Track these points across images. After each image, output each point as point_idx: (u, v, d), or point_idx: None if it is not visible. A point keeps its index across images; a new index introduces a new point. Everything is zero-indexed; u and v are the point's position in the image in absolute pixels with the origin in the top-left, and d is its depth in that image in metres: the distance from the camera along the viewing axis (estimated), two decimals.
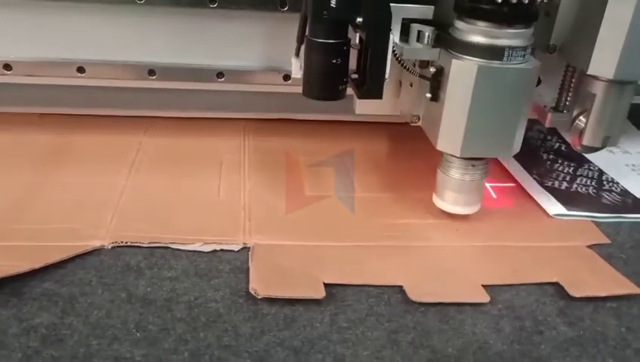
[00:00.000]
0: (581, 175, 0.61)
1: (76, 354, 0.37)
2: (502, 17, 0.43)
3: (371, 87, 0.46)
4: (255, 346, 0.39)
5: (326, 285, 0.43)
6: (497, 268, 0.47)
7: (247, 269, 0.45)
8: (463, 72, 0.45)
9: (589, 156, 0.64)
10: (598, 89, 0.48)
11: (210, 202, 0.52)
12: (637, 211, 0.55)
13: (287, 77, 0.58)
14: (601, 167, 0.63)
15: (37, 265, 0.43)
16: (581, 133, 0.50)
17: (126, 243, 0.46)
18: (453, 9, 0.45)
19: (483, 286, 0.45)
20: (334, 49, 0.45)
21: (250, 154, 0.61)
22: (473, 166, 0.49)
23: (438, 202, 0.52)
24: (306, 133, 0.65)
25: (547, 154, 0.65)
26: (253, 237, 0.48)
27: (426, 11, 0.48)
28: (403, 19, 0.47)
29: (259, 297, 0.42)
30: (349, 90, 0.48)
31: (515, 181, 0.59)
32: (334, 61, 0.45)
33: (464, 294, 0.44)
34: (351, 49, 0.47)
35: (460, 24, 0.45)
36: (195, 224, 0.49)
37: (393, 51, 0.46)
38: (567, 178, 0.60)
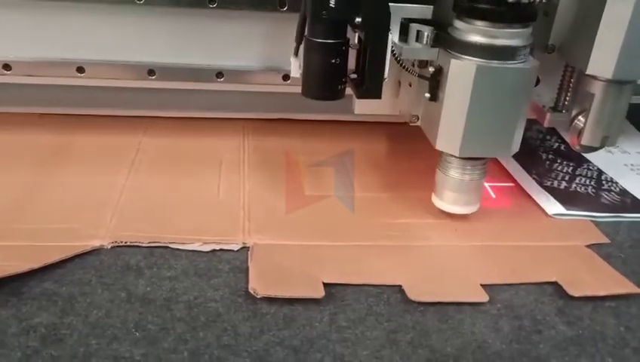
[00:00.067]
0: (580, 175, 0.61)
1: (76, 354, 0.37)
2: (501, 17, 0.43)
3: (370, 87, 0.46)
4: (254, 345, 0.39)
5: (325, 284, 0.43)
6: (496, 268, 0.47)
7: (247, 269, 0.45)
8: (461, 71, 0.45)
9: (588, 156, 0.64)
10: (597, 89, 0.48)
11: (209, 202, 0.53)
12: (636, 211, 0.56)
13: (286, 77, 0.58)
14: (600, 167, 0.63)
15: (36, 265, 0.43)
16: (580, 132, 0.50)
17: (125, 243, 0.46)
18: (452, 9, 0.45)
19: (482, 285, 0.45)
20: (333, 49, 0.45)
21: (250, 154, 0.61)
22: (472, 165, 0.49)
23: (437, 202, 0.52)
24: (305, 133, 0.65)
25: (546, 154, 0.65)
26: (253, 236, 0.48)
27: (425, 11, 0.48)
28: (402, 18, 0.47)
29: (258, 297, 0.42)
30: (349, 90, 0.49)
31: (514, 181, 0.60)
32: (333, 61, 0.46)
33: (463, 294, 0.44)
34: (350, 49, 0.47)
35: (458, 24, 0.45)
36: (195, 224, 0.49)
37: (392, 51, 0.46)
38: (567, 178, 0.60)
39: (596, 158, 0.64)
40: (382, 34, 0.44)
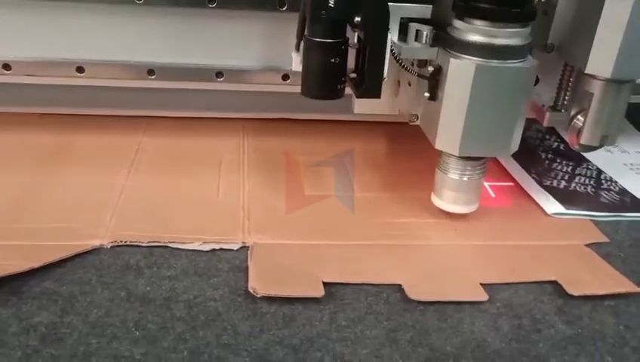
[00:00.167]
0: (579, 174, 0.61)
1: (76, 353, 0.37)
2: (500, 16, 0.43)
3: (370, 87, 0.46)
4: (254, 345, 0.39)
5: (325, 284, 0.43)
6: (496, 267, 0.47)
7: (247, 268, 0.45)
8: (461, 71, 0.45)
9: (587, 155, 0.64)
10: (596, 88, 0.48)
11: (209, 201, 0.53)
12: (635, 210, 0.56)
13: (286, 76, 0.58)
14: (600, 166, 0.63)
15: (36, 264, 0.43)
16: (579, 132, 0.50)
17: (125, 242, 0.47)
18: (451, 8, 0.45)
19: (481, 284, 0.45)
20: (333, 48, 0.45)
21: (250, 154, 0.61)
22: (472, 165, 0.49)
23: (437, 201, 0.52)
24: (305, 133, 0.65)
25: (546, 154, 0.65)
26: (253, 236, 0.48)
27: (425, 10, 0.48)
28: (401, 18, 0.47)
29: (258, 296, 0.42)
30: (348, 90, 0.49)
31: (513, 180, 0.60)
32: (333, 60, 0.46)
33: (463, 293, 0.44)
34: (349, 48, 0.47)
35: (458, 23, 0.45)
36: (195, 223, 0.49)
37: (391, 51, 0.46)
38: (566, 177, 0.60)
39: (595, 158, 0.64)
40: (381, 33, 0.44)
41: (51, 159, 0.57)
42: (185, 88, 0.61)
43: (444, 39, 0.46)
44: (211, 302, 0.42)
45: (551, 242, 0.51)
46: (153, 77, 0.58)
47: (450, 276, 0.46)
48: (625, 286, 0.46)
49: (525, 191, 0.58)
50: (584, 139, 0.50)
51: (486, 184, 0.58)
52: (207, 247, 0.47)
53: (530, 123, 0.57)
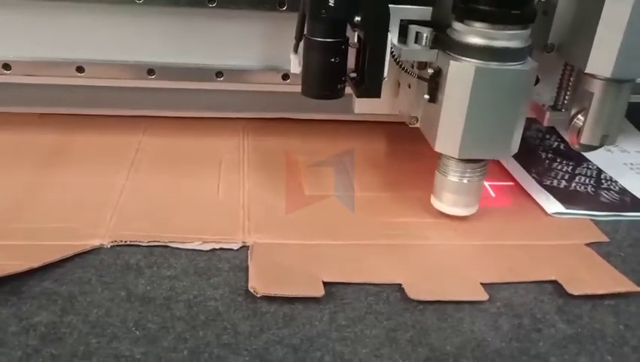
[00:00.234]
0: (580, 174, 0.61)
1: (76, 352, 0.37)
2: (499, 19, 0.43)
3: (370, 86, 0.46)
4: (254, 344, 0.39)
5: (325, 283, 0.43)
6: (496, 267, 0.47)
7: (247, 268, 0.45)
8: (460, 73, 0.45)
9: (587, 155, 0.64)
10: (596, 87, 0.48)
11: (209, 201, 0.53)
12: (635, 210, 0.56)
13: (286, 76, 0.58)
14: (600, 166, 0.63)
15: (36, 264, 0.43)
16: (579, 131, 0.50)
17: (125, 242, 0.47)
18: (451, 10, 0.45)
19: (482, 284, 0.45)
20: (333, 48, 0.45)
21: (250, 154, 0.61)
22: (472, 167, 0.49)
23: (437, 203, 0.52)
24: (305, 133, 0.65)
25: (546, 153, 0.65)
26: (253, 235, 0.48)
27: (424, 12, 0.48)
28: (401, 20, 0.47)
29: (258, 295, 0.42)
30: (348, 90, 0.49)
31: (513, 180, 0.60)
32: (333, 60, 0.46)
33: (463, 292, 0.44)
34: (349, 48, 0.47)
35: (457, 25, 0.45)
36: (195, 223, 0.49)
37: (391, 53, 0.46)
38: (566, 177, 0.60)
39: (596, 157, 0.64)
40: (381, 33, 0.44)
41: (51, 159, 0.57)
42: (185, 88, 0.61)
43: (443, 41, 0.46)
44: (211, 302, 0.42)
45: (551, 242, 0.51)
46: (153, 77, 0.58)
47: (450, 275, 0.46)
48: (625, 285, 0.46)
49: (525, 191, 0.58)
50: (584, 139, 0.50)
51: (486, 183, 0.58)
52: (207, 247, 0.47)
53: (530, 122, 0.57)
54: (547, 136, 0.69)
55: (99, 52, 0.57)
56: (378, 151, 0.63)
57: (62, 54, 0.57)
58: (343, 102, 0.50)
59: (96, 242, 0.46)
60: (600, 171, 0.62)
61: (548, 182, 0.59)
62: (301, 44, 0.47)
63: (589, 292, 0.45)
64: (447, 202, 0.51)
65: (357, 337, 0.40)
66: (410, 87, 0.52)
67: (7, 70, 0.56)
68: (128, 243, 0.47)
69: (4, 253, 0.44)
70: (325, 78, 0.47)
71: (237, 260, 0.46)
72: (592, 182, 0.60)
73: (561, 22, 0.50)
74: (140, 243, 0.47)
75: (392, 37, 0.46)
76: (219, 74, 0.58)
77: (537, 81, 0.49)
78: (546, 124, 0.54)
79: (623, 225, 0.54)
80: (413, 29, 0.47)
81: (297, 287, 0.43)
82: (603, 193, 0.58)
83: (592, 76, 0.48)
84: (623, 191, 0.58)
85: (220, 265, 0.45)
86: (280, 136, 0.64)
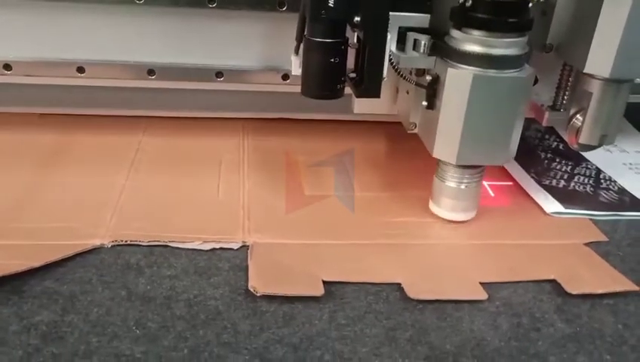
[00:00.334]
0: (579, 173, 0.61)
1: (77, 352, 0.37)
2: (497, 27, 0.44)
3: (369, 86, 0.46)
4: (254, 343, 0.39)
5: (325, 283, 0.44)
6: (495, 266, 0.47)
7: (247, 267, 0.45)
8: (458, 80, 0.45)
9: (586, 155, 0.64)
10: (595, 87, 0.48)
11: (209, 201, 0.53)
12: (634, 209, 0.56)
13: (285, 76, 0.59)
14: (599, 166, 0.63)
15: (37, 264, 0.43)
16: (578, 131, 0.50)
17: (126, 241, 0.47)
18: (449, 18, 0.46)
19: (481, 283, 0.45)
20: (332, 48, 0.46)
21: (249, 154, 0.61)
22: (469, 173, 0.49)
23: (435, 209, 0.52)
24: (305, 133, 0.65)
25: (545, 153, 0.65)
26: (253, 235, 0.48)
27: (423, 20, 0.48)
28: (400, 27, 0.48)
29: (258, 295, 0.42)
30: (348, 90, 0.49)
31: (513, 180, 0.60)
32: (332, 60, 0.46)
33: (462, 291, 0.44)
34: (349, 48, 0.47)
35: (455, 33, 0.45)
36: (195, 223, 0.50)
37: (390, 60, 0.46)
38: (565, 176, 0.60)
39: (595, 157, 0.64)
40: (380, 33, 0.44)
41: (51, 159, 0.57)
42: (185, 88, 0.61)
43: (441, 48, 0.46)
44: (211, 301, 0.42)
45: (550, 241, 0.51)
46: (153, 77, 0.58)
47: (449, 275, 0.46)
48: (624, 284, 0.46)
49: (524, 191, 0.58)
50: (583, 139, 0.50)
51: (485, 183, 0.58)
52: (207, 246, 0.47)
53: (529, 122, 0.57)
54: (546, 136, 0.69)
55: (99, 52, 0.57)
56: (378, 151, 0.64)
57: (62, 54, 0.57)
58: (343, 102, 0.50)
59: (96, 242, 0.46)
60: (599, 171, 0.62)
61: (547, 182, 0.59)
62: (302, 45, 0.48)
63: (588, 291, 0.45)
64: (445, 207, 0.51)
65: (357, 336, 0.40)
66: (408, 94, 0.52)
67: (8, 70, 0.57)
68: (129, 242, 0.47)
69: (4, 252, 0.44)
70: (325, 79, 0.47)
71: (237, 260, 0.46)
72: (591, 181, 0.60)
73: (560, 22, 0.50)
74: (141, 243, 0.47)
75: (391, 44, 0.46)
76: (219, 74, 0.58)
77: (536, 81, 0.50)
78: (545, 124, 0.54)
79: (622, 224, 0.54)
80: (412, 36, 0.47)
81: (297, 286, 0.43)
82: (602, 193, 0.58)
83: (591, 76, 0.48)
84: (622, 191, 0.59)
85: (220, 265, 0.45)
86: (280, 136, 0.64)
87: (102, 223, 0.48)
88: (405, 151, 0.63)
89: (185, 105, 0.66)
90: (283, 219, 0.51)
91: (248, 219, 0.50)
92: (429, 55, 0.47)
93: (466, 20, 0.44)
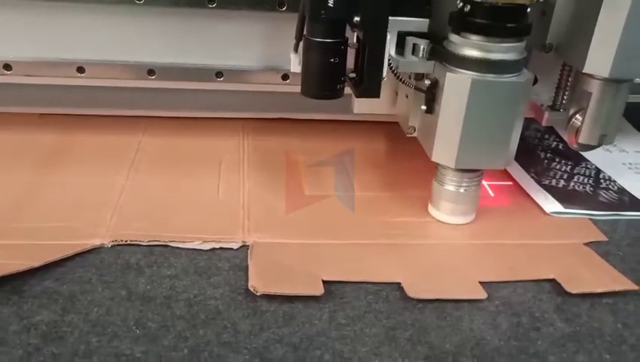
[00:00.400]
0: (578, 173, 0.61)
1: (77, 351, 0.37)
2: (496, 31, 0.44)
3: (369, 86, 0.46)
4: (254, 343, 0.39)
5: (325, 282, 0.44)
6: (495, 265, 0.47)
7: (247, 267, 0.45)
8: (457, 84, 0.45)
9: (586, 154, 0.64)
10: (594, 87, 0.48)
11: (209, 201, 0.53)
12: (634, 209, 0.56)
13: (285, 76, 0.59)
14: (599, 166, 0.63)
15: (37, 264, 0.43)
16: (577, 131, 0.50)
17: (126, 241, 0.47)
18: (447, 22, 0.46)
19: (480, 283, 0.45)
20: (332, 48, 0.46)
21: (249, 154, 0.61)
22: (468, 177, 0.49)
23: (434, 212, 0.52)
24: (304, 133, 0.65)
25: (544, 153, 0.65)
26: (252, 235, 0.48)
27: (422, 25, 0.48)
28: (399, 32, 0.48)
29: (258, 294, 0.42)
30: (348, 90, 0.49)
31: (512, 179, 0.60)
32: (332, 60, 0.46)
33: (462, 291, 0.44)
34: (349, 48, 0.47)
35: (454, 37, 0.45)
36: (195, 223, 0.50)
37: (389, 64, 0.46)
38: (565, 176, 0.61)
39: (594, 157, 0.64)
40: (380, 33, 0.44)
41: (51, 159, 0.57)
42: (185, 88, 0.61)
43: (440, 53, 0.46)
44: (211, 301, 0.42)
45: (550, 241, 0.51)
46: (153, 77, 0.58)
47: (449, 274, 0.46)
48: (623, 284, 0.46)
49: (524, 191, 0.58)
50: (583, 139, 0.50)
51: (485, 183, 0.58)
52: (207, 246, 0.47)
53: (529, 122, 0.57)
54: (546, 136, 0.69)
55: (99, 52, 0.57)
56: (378, 151, 0.64)
57: (62, 54, 0.57)
58: (343, 102, 0.50)
59: (96, 241, 0.46)
60: (598, 171, 0.62)
61: (547, 182, 0.59)
62: (301, 43, 0.48)
63: (588, 290, 0.45)
64: (444, 211, 0.51)
65: (356, 336, 0.40)
66: (407, 98, 0.52)
67: (8, 70, 0.57)
68: (128, 242, 0.47)
69: (4, 252, 0.44)
70: (325, 78, 0.47)
71: (237, 259, 0.46)
72: (590, 181, 0.60)
73: (560, 22, 0.50)
74: (141, 243, 0.47)
75: (390, 48, 0.46)
76: (219, 74, 0.58)
77: (536, 81, 0.50)
78: (544, 123, 0.54)
79: (622, 224, 0.54)
80: (411, 40, 0.47)
81: (297, 286, 0.43)
82: (602, 192, 0.58)
83: (590, 76, 0.48)
84: (622, 191, 0.59)
85: (220, 265, 0.46)
86: (280, 136, 0.64)
87: (102, 223, 0.48)
88: (405, 151, 0.63)
89: (185, 105, 0.66)
90: (283, 218, 0.51)
91: (248, 219, 0.51)
92: (428, 59, 0.47)
93: (464, 25, 0.44)
